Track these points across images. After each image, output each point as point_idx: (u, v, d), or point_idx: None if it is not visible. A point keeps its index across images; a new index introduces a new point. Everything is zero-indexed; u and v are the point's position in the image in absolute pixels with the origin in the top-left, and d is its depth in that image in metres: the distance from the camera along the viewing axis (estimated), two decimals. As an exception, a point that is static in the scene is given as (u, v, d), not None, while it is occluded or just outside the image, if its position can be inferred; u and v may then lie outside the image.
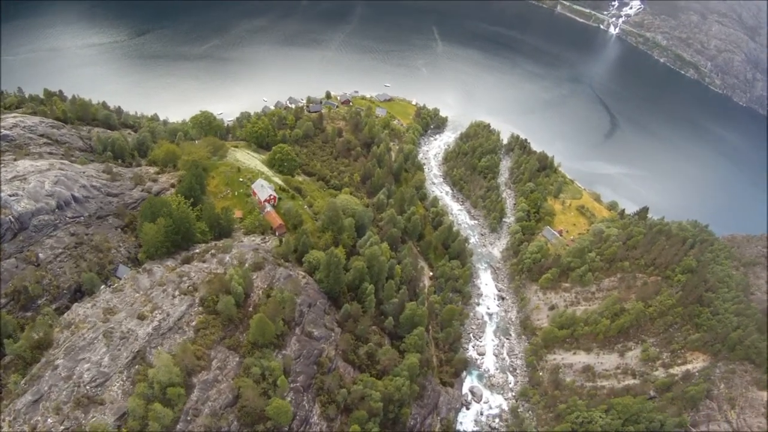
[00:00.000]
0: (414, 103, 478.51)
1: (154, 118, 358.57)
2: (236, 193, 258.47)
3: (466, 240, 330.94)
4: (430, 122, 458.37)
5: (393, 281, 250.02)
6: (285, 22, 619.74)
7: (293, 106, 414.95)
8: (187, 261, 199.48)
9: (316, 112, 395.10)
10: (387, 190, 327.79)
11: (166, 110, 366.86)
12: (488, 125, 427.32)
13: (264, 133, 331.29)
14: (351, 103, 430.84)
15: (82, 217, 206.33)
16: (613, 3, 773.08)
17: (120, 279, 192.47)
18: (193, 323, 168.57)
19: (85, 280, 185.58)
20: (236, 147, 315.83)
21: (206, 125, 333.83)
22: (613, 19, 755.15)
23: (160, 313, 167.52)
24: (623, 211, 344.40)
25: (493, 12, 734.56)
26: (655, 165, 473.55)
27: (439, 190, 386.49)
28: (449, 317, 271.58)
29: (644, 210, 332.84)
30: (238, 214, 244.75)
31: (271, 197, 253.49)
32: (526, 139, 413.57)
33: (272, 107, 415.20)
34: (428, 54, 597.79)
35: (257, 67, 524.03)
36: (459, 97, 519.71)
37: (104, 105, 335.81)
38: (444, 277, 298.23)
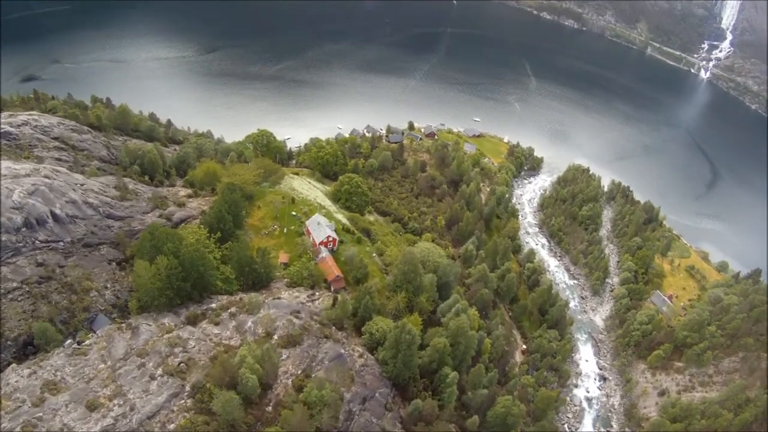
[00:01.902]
0: (506, 140, 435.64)
1: (206, 135, 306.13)
2: (285, 231, 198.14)
3: (566, 305, 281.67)
4: (524, 162, 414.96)
5: (481, 362, 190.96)
6: (366, 48, 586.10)
7: (370, 134, 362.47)
8: (193, 321, 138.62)
9: (396, 142, 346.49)
10: (477, 239, 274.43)
11: (228, 131, 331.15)
12: (587, 169, 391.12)
13: (332, 160, 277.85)
14: (436, 137, 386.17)
15: (61, 243, 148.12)
16: (702, 46, 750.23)
17: (94, 334, 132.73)
18: (172, 427, 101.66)
19: (36, 332, 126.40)
20: (296, 174, 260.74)
21: (263, 146, 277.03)
22: (704, 62, 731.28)
23: (121, 404, 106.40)
24: (738, 274, 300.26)
25: (582, 50, 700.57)
26: (760, 221, 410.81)
27: (535, 242, 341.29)
28: (544, 406, 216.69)
29: (756, 273, 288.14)
30: (282, 258, 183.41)
31: (330, 239, 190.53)
32: (628, 187, 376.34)
33: (347, 135, 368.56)
34: (520, 89, 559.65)
35: (333, 92, 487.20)
36: (553, 136, 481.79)
37: (152, 116, 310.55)
38: (540, 352, 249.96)
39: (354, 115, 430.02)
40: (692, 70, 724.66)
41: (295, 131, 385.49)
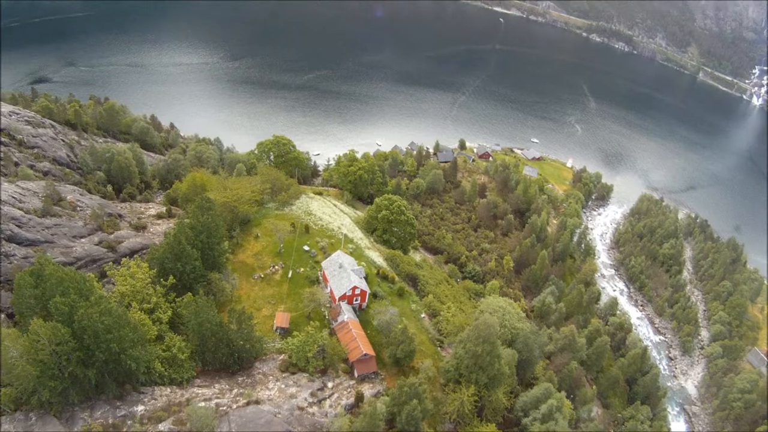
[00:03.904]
0: (569, 165, 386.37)
1: (211, 142, 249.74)
2: (290, 275, 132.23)
3: (659, 372, 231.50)
4: (593, 190, 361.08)
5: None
6: (407, 61, 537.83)
7: (416, 151, 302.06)
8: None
9: (447, 162, 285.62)
10: (556, 288, 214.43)
11: (244, 142, 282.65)
12: (660, 200, 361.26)
13: (367, 177, 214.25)
14: (491, 158, 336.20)
15: None
16: (753, 71, 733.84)
17: None
18: None
19: None
20: (319, 194, 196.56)
21: (279, 156, 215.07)
22: (755, 88, 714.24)
23: None
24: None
25: (635, 73, 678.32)
26: None
27: (611, 287, 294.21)
28: None
29: None
30: (280, 320, 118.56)
31: (357, 291, 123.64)
32: (706, 221, 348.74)
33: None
34: (579, 110, 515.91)
35: (371, 105, 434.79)
36: (617, 161, 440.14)
37: (151, 119, 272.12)
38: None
39: (395, 131, 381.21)
40: (744, 96, 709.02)
41: (326, 147, 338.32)
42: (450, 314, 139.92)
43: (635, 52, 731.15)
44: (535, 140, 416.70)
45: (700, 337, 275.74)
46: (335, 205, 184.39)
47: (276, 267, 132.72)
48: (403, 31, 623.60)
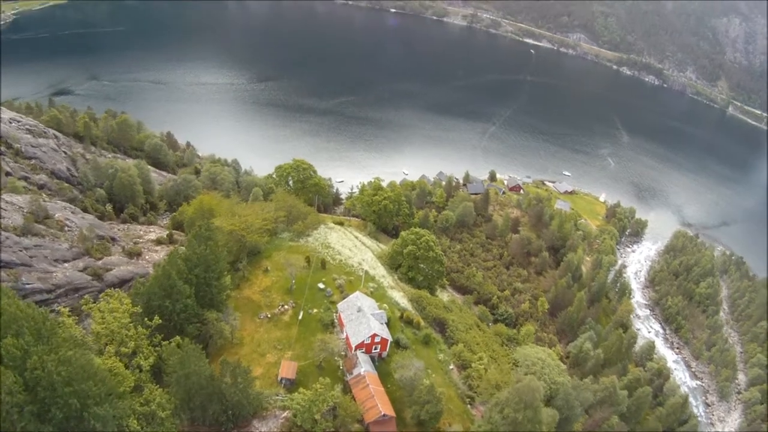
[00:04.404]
0: (602, 199, 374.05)
1: (225, 162, 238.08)
2: (300, 316, 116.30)
3: (698, 423, 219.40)
4: (627, 226, 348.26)
5: None
6: (439, 89, 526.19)
7: (445, 182, 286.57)
8: None
9: (477, 194, 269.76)
10: (595, 334, 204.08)
11: (264, 165, 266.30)
12: (695, 237, 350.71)
13: (392, 208, 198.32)
14: (522, 191, 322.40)
15: None
16: None
17: None
18: None
19: None
20: (339, 224, 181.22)
21: (298, 181, 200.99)
22: None
23: None
24: None
25: (665, 106, 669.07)
26: None
27: (646, 328, 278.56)
28: None
29: None
30: (285, 369, 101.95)
31: (376, 340, 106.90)
32: (741, 258, 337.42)
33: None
34: (612, 143, 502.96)
35: (399, 133, 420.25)
36: (651, 196, 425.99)
37: (168, 137, 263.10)
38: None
39: (423, 160, 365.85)
40: None
41: (350, 174, 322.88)
42: (482, 366, 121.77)
43: (665, 85, 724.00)
44: (567, 173, 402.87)
45: (737, 381, 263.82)
46: (356, 238, 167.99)
47: (285, 306, 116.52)
48: (434, 60, 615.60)
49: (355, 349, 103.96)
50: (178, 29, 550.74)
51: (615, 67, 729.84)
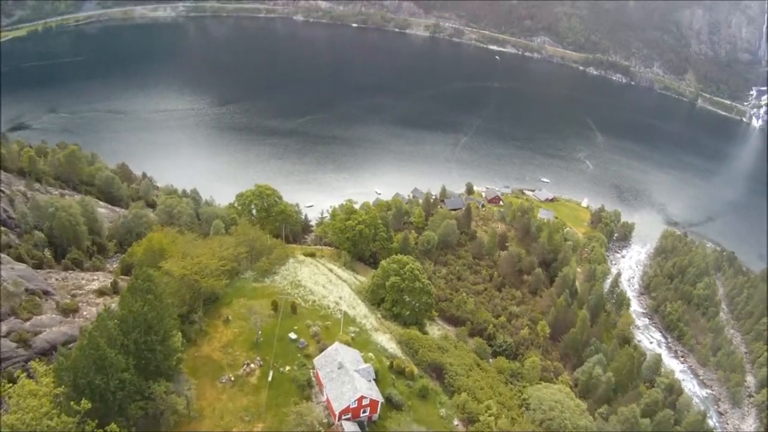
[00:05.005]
0: (585, 204, 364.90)
1: (182, 194, 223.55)
2: (270, 377, 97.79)
3: None
4: (614, 230, 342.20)
5: None
6: (405, 101, 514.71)
7: (420, 199, 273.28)
8: None
9: (456, 209, 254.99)
10: (604, 356, 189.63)
11: (231, 194, 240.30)
12: (684, 236, 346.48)
13: (368, 232, 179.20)
14: (502, 202, 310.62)
15: None
16: (750, 92, 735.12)
17: None
18: None
19: None
20: (311, 255, 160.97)
21: (262, 209, 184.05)
22: (754, 110, 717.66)
23: None
24: None
25: (635, 104, 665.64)
26: None
27: (647, 338, 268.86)
28: None
29: None
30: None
31: (364, 402, 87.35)
32: (733, 253, 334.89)
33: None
34: (587, 145, 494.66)
35: (369, 150, 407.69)
36: (633, 197, 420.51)
37: (122, 167, 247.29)
38: None
39: (396, 177, 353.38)
40: (744, 119, 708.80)
41: (320, 197, 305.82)
42: (491, 417, 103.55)
43: (633, 82, 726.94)
44: (546, 179, 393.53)
45: (746, 384, 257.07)
46: (331, 270, 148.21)
47: (252, 365, 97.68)
48: (399, 73, 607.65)
49: (340, 418, 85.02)
50: (138, 56, 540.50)
51: (581, 67, 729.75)
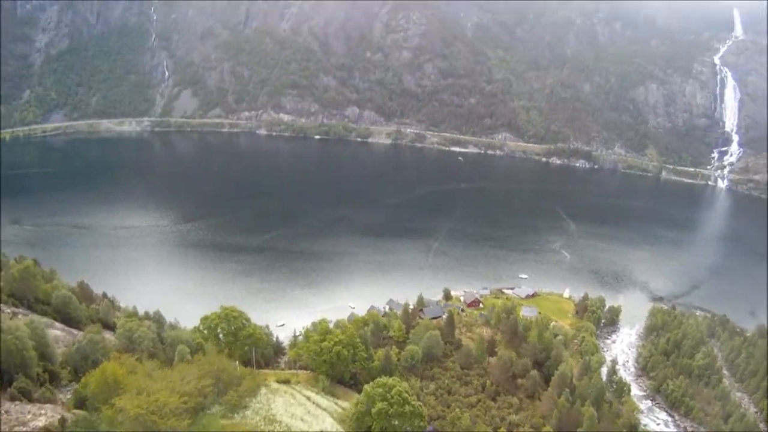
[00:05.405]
0: (566, 295, 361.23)
1: (144, 316, 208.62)
2: None
3: None
4: (601, 317, 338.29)
5: None
6: (372, 210, 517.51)
7: (398, 311, 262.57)
8: None
9: (437, 317, 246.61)
10: None
11: (197, 315, 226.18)
12: (672, 309, 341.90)
13: (346, 354, 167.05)
14: (482, 304, 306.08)
15: None
16: (712, 155, 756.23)
17: None
18: None
19: None
20: (285, 382, 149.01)
21: (229, 334, 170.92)
22: (718, 171, 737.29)
23: None
24: None
25: (602, 186, 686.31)
26: None
27: (653, 420, 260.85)
28: None
29: None
30: None
31: None
32: (725, 315, 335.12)
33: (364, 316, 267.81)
34: (560, 235, 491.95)
35: (339, 263, 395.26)
36: (615, 280, 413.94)
37: (81, 286, 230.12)
38: None
39: (369, 289, 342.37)
40: (709, 183, 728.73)
41: (291, 314, 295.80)
42: None
43: (596, 166, 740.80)
44: (524, 275, 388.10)
45: None
46: (308, 399, 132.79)
47: None
48: (363, 182, 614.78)
49: None
50: (104, 170, 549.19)
51: (544, 159, 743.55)
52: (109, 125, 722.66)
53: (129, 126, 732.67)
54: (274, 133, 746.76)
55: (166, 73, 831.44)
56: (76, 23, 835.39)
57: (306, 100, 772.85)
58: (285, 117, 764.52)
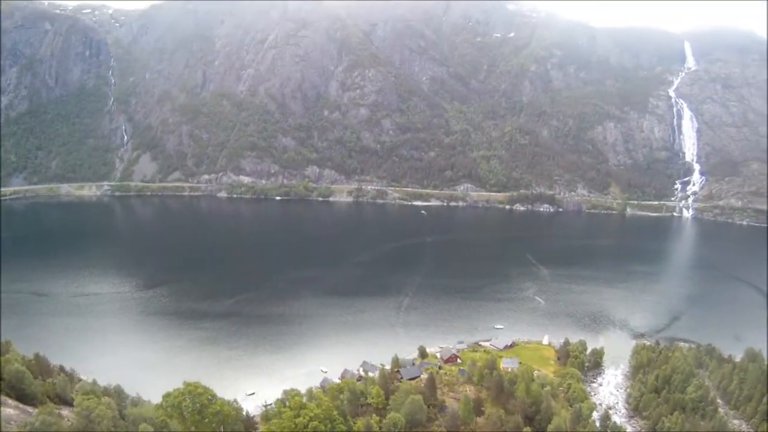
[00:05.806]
0: (546, 342, 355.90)
1: (101, 392, 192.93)
2: None
3: None
4: (585, 361, 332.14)
5: None
6: (338, 270, 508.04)
7: (373, 374, 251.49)
8: None
9: (415, 377, 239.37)
10: None
11: (161, 388, 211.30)
12: (656, 344, 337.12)
13: (323, 429, 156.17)
14: (459, 360, 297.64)
15: None
16: (675, 187, 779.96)
17: None
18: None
19: None
20: None
21: (195, 412, 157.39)
22: (683, 202, 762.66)
23: None
24: None
25: (567, 229, 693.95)
26: None
27: None
28: None
29: None
30: None
31: None
32: (710, 344, 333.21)
33: (337, 380, 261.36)
34: (533, 281, 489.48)
35: (307, 326, 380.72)
36: (593, 322, 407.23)
37: (36, 358, 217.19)
38: None
39: (342, 352, 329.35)
40: (674, 214, 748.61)
41: (260, 382, 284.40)
42: None
43: (561, 209, 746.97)
44: (500, 326, 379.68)
45: None
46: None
47: None
48: (325, 241, 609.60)
49: None
50: (64, 235, 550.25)
51: (507, 207, 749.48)
52: (69, 189, 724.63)
53: (89, 190, 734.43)
54: (234, 196, 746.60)
55: (125, 137, 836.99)
56: (35, 85, 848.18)
57: (265, 162, 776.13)
58: (245, 179, 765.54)
